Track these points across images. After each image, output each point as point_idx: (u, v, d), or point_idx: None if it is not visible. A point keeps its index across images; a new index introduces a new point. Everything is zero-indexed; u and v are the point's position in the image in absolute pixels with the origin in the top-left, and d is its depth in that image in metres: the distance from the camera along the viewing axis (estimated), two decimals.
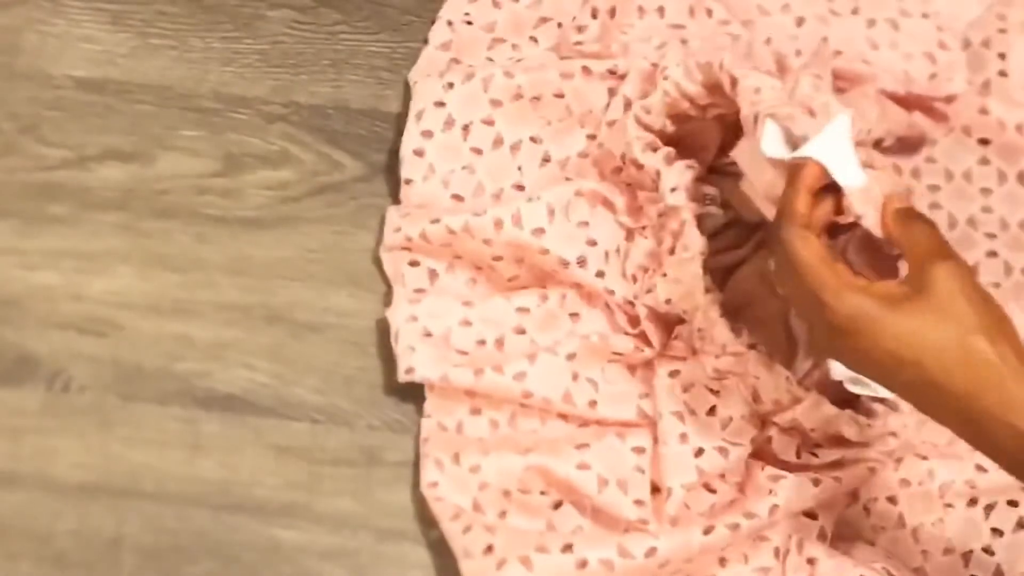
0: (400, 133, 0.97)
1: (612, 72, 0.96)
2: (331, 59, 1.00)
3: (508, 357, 0.90)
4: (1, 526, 0.89)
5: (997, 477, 0.87)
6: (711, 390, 0.88)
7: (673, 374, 0.89)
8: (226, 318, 0.94)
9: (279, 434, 0.92)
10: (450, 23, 0.99)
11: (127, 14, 1.01)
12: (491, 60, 0.98)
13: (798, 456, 0.87)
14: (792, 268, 0.75)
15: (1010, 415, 0.69)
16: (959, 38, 0.98)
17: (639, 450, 0.88)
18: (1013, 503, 0.87)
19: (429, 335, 0.90)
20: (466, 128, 0.95)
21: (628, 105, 0.93)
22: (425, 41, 0.99)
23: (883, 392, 0.78)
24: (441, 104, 0.95)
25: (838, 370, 0.82)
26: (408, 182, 0.95)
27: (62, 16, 1.00)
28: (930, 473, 0.88)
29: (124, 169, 0.97)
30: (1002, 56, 0.98)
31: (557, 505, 0.89)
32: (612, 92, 0.95)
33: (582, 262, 0.91)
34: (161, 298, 0.94)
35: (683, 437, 0.87)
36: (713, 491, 0.87)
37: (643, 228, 0.91)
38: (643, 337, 0.90)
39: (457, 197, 0.94)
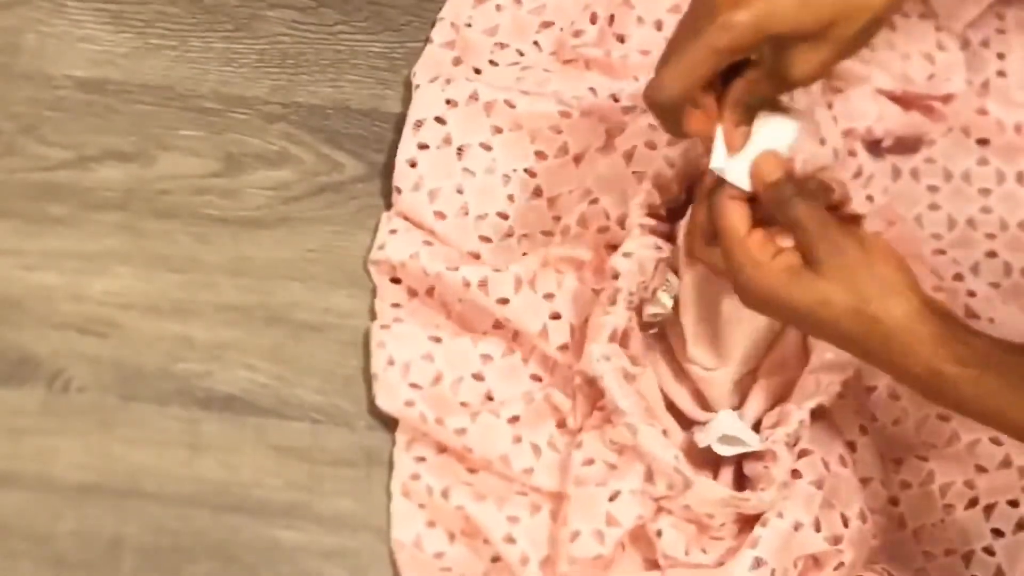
0: (400, 134, 0.97)
1: (615, 99, 0.96)
2: (331, 59, 1.00)
3: (453, 407, 0.90)
4: (1, 526, 0.90)
5: (996, 477, 0.87)
6: (609, 465, 0.87)
7: (579, 445, 0.88)
8: (226, 318, 0.94)
9: (279, 434, 0.92)
10: (454, 25, 0.99)
11: (127, 14, 1.01)
12: (494, 63, 0.98)
13: (687, 553, 0.86)
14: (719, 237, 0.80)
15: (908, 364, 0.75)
16: (957, 38, 0.98)
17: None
18: (1013, 503, 0.87)
19: (392, 363, 0.91)
20: (462, 149, 0.95)
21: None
22: (426, 40, 0.99)
23: (753, 445, 0.85)
24: (441, 121, 0.96)
25: (702, 437, 0.86)
26: (398, 190, 0.95)
27: (62, 16, 1.00)
28: (930, 474, 0.88)
29: (124, 169, 0.97)
30: (1001, 56, 0.98)
31: (495, 558, 0.89)
32: (610, 133, 0.95)
33: (543, 335, 0.90)
34: (161, 298, 0.94)
35: (563, 519, 0.86)
36: None
37: (602, 290, 0.91)
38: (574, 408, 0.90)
39: (440, 215, 0.94)
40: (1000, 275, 0.93)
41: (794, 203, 0.77)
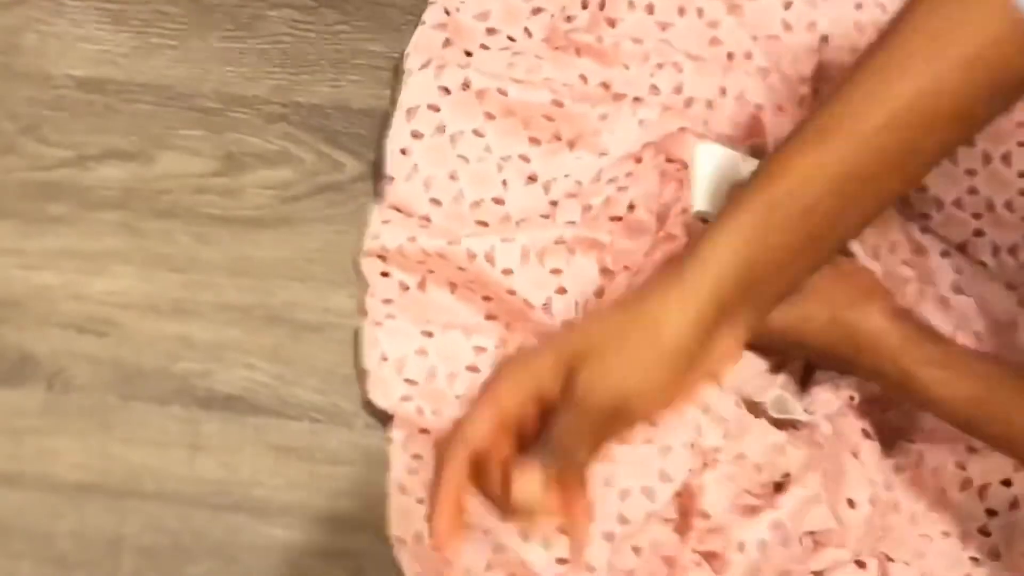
0: None
1: (605, 86, 0.96)
2: (331, 59, 1.01)
3: (450, 400, 0.90)
4: (1, 526, 0.90)
5: (988, 458, 0.87)
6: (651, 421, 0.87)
7: None
8: (226, 318, 0.94)
9: (279, 434, 0.92)
10: (446, 10, 0.99)
11: (127, 14, 1.01)
12: (486, 48, 0.98)
13: (729, 511, 0.86)
14: None
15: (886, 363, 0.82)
16: None
17: None
18: (1007, 483, 0.87)
19: (385, 360, 0.91)
20: (456, 136, 0.95)
21: None
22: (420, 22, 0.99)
23: (801, 415, 0.88)
24: (435, 108, 0.95)
25: (759, 394, 0.88)
26: (390, 179, 0.95)
27: (62, 16, 1.00)
28: (921, 457, 0.88)
29: (124, 169, 0.97)
30: None
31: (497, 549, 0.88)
32: (603, 118, 0.95)
33: (547, 308, 0.90)
34: (161, 298, 0.94)
35: (608, 480, 0.86)
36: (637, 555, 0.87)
37: (625, 268, 0.91)
38: None
39: (435, 202, 0.94)
40: (987, 254, 0.93)
41: None
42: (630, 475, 0.85)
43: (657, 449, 0.86)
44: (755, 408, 0.88)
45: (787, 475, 0.86)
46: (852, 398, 0.87)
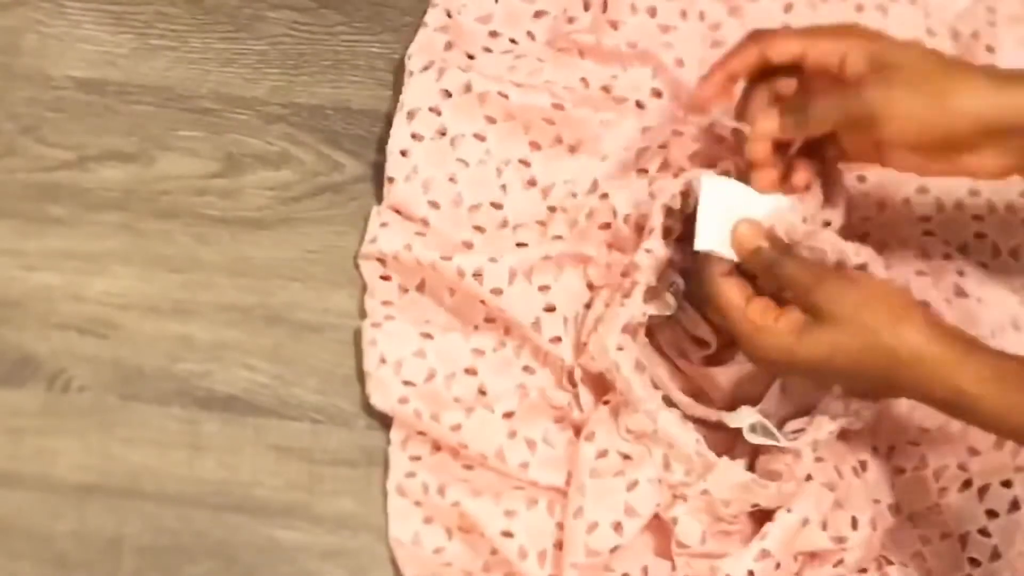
0: None
1: (607, 90, 0.96)
2: (331, 60, 1.01)
3: (447, 403, 0.90)
4: (1, 526, 0.90)
5: (989, 459, 0.87)
6: (623, 455, 0.87)
7: (589, 437, 0.88)
8: (226, 318, 0.94)
9: (279, 434, 0.92)
10: (448, 13, 0.99)
11: (127, 15, 1.01)
12: (488, 50, 0.98)
13: (702, 542, 0.86)
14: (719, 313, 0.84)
15: (935, 391, 0.78)
16: (947, 27, 0.98)
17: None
18: (1007, 484, 0.87)
19: (384, 361, 0.91)
20: (456, 139, 0.95)
21: None
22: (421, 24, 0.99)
23: (782, 441, 0.85)
24: (436, 111, 0.95)
25: (732, 418, 0.86)
26: (390, 180, 0.95)
27: (62, 17, 1.00)
28: (923, 459, 0.89)
29: (124, 169, 0.97)
30: (990, 49, 0.97)
31: (494, 551, 0.89)
32: (605, 125, 0.95)
33: (536, 326, 0.90)
34: (161, 298, 0.94)
35: (578, 512, 0.86)
36: None
37: (604, 287, 0.91)
38: (578, 399, 0.91)
39: (434, 204, 0.94)
40: (988, 256, 0.93)
41: (781, 263, 0.81)
42: (598, 509, 0.86)
43: (624, 484, 0.86)
44: (733, 435, 0.87)
45: (756, 505, 0.86)
46: (852, 421, 0.86)
